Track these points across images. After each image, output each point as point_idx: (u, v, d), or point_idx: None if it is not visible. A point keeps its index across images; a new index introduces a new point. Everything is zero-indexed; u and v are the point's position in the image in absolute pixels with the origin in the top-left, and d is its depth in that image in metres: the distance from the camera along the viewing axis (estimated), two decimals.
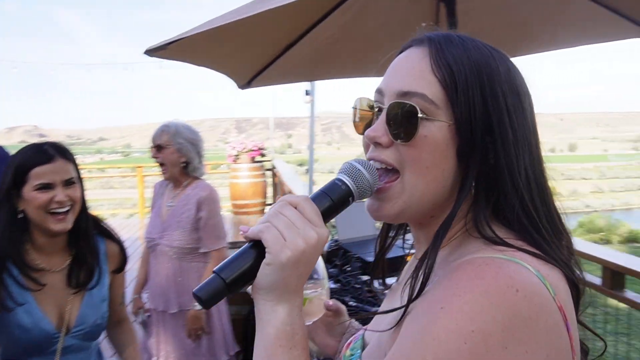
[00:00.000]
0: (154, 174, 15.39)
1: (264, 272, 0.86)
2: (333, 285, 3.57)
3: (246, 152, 12.29)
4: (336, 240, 4.30)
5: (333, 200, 0.94)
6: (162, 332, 3.49)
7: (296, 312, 0.88)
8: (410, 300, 0.89)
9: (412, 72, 0.94)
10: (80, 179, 2.21)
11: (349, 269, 3.66)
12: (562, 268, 0.89)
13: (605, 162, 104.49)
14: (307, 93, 5.28)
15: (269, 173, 13.29)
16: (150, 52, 2.84)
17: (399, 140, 0.93)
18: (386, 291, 1.23)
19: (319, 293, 1.15)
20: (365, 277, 3.38)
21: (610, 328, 3.93)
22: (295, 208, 0.89)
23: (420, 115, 0.90)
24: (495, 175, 0.92)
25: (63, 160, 2.13)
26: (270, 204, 13.31)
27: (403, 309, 0.91)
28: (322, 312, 1.19)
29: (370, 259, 3.18)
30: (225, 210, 14.77)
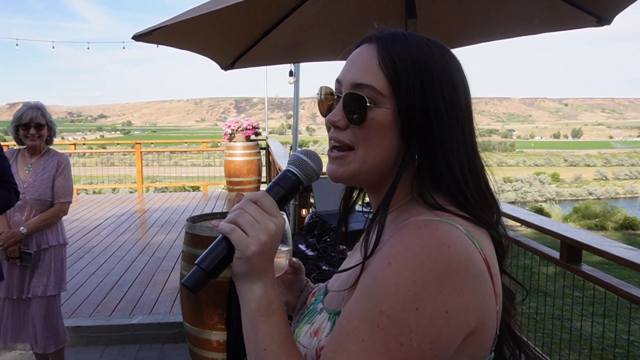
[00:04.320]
0: (152, 150, 15.71)
1: (236, 263, 1.02)
2: (311, 253, 3.88)
3: (241, 130, 12.54)
4: (315, 213, 4.59)
5: (285, 190, 1.10)
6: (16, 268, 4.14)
7: (269, 286, 1.03)
8: (365, 258, 1.04)
9: (363, 66, 1.10)
10: None
11: (328, 239, 3.97)
12: (487, 228, 1.07)
13: (610, 149, 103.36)
14: (290, 74, 5.47)
15: (264, 152, 13.51)
16: (137, 37, 3.15)
17: (352, 124, 1.09)
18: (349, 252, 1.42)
19: (282, 252, 1.26)
20: (342, 247, 3.62)
21: (589, 309, 4.07)
22: (255, 203, 1.03)
23: (368, 104, 1.06)
24: (432, 151, 1.08)
25: None
26: (264, 182, 13.61)
27: (359, 266, 1.06)
28: (283, 270, 1.30)
29: (350, 229, 3.38)
30: (222, 187, 15.10)
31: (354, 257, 1.28)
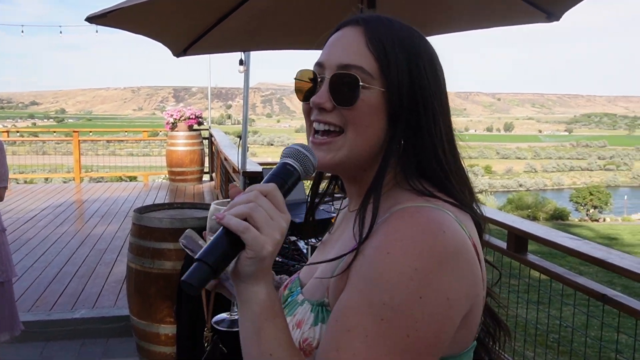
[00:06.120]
0: (91, 138, 15.25)
1: (245, 263, 0.92)
2: None
3: (183, 120, 12.35)
4: None
5: (287, 184, 1.01)
6: None
7: (271, 286, 0.96)
8: (359, 244, 1.00)
9: (350, 48, 1.08)
10: None
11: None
12: (470, 212, 1.08)
13: (539, 143, 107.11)
14: (241, 62, 5.41)
15: (206, 142, 13.38)
16: (91, 19, 3.01)
17: (341, 105, 1.07)
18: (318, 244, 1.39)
19: None
20: (293, 238, 3.54)
21: (530, 297, 4.16)
22: (266, 197, 0.94)
23: (361, 83, 1.05)
24: (418, 135, 1.08)
25: None
26: (207, 172, 13.45)
27: (351, 252, 1.02)
28: None
29: (299, 220, 3.35)
30: (162, 177, 14.82)
31: (325, 249, 1.26)
